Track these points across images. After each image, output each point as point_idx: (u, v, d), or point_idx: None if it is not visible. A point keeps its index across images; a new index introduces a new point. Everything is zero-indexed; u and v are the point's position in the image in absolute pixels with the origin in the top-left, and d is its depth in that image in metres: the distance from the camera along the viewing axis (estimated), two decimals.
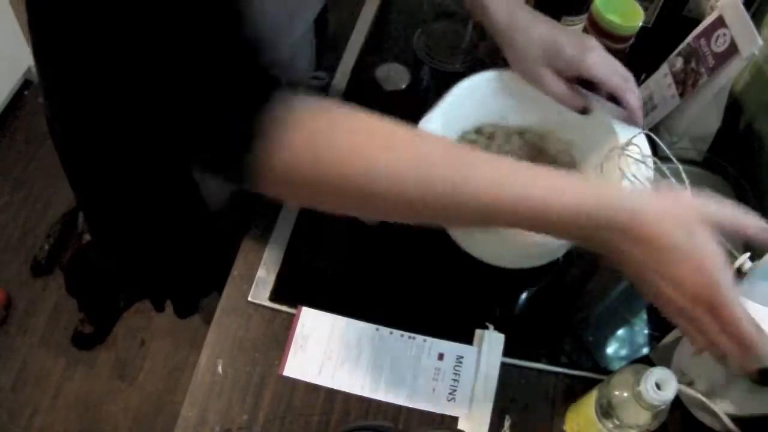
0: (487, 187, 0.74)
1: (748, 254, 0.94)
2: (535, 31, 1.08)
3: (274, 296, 1.13)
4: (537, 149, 1.23)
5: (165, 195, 1.18)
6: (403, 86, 1.31)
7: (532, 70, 1.09)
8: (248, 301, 1.12)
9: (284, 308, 1.12)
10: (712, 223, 0.75)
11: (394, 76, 1.32)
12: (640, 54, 1.42)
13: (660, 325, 1.14)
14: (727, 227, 0.77)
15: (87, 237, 2.26)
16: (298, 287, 1.14)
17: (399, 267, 1.17)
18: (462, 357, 1.10)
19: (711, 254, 0.73)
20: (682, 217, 0.74)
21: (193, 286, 1.62)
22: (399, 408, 1.06)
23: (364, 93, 1.36)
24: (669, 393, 0.87)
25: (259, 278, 1.14)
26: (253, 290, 1.13)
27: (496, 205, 0.74)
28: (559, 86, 1.09)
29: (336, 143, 0.73)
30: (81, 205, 1.41)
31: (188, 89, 0.70)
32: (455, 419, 1.06)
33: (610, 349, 1.16)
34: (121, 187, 1.17)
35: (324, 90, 1.35)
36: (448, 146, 0.81)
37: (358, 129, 0.74)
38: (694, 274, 0.73)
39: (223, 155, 0.73)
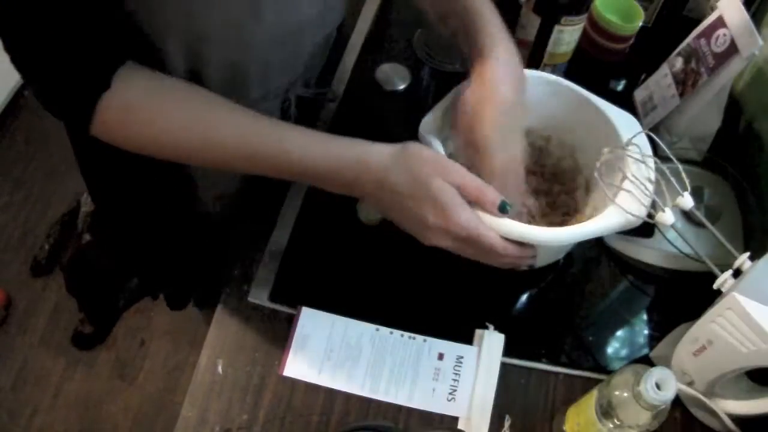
0: (241, 144, 0.92)
1: (747, 254, 0.95)
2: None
3: (274, 296, 1.13)
4: (539, 151, 1.23)
5: (162, 181, 1.20)
6: (403, 86, 1.31)
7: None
8: (248, 302, 1.12)
9: (284, 308, 1.12)
10: (451, 181, 0.91)
11: (394, 76, 1.32)
12: (640, 54, 1.43)
13: (660, 326, 1.14)
14: (466, 189, 0.93)
15: (87, 237, 2.27)
16: (297, 287, 1.14)
17: (399, 266, 1.17)
18: (462, 357, 1.10)
19: (443, 195, 0.90)
20: (413, 169, 0.91)
21: (185, 276, 1.63)
22: (399, 408, 1.06)
23: (364, 93, 1.36)
24: (669, 393, 0.88)
25: (259, 278, 1.14)
26: (253, 290, 1.13)
27: (262, 161, 0.93)
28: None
29: (153, 111, 0.90)
30: (91, 191, 1.42)
31: (60, 36, 0.82)
32: (455, 419, 1.06)
33: (610, 349, 1.16)
34: (126, 172, 1.20)
35: (329, 101, 1.36)
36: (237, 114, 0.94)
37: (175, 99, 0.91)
38: (427, 208, 0.91)
39: (72, 97, 0.86)
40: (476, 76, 1.01)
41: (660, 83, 1.35)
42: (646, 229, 1.10)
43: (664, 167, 1.05)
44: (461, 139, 1.03)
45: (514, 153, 1.02)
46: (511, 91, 1.00)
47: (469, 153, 1.02)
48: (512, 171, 1.03)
